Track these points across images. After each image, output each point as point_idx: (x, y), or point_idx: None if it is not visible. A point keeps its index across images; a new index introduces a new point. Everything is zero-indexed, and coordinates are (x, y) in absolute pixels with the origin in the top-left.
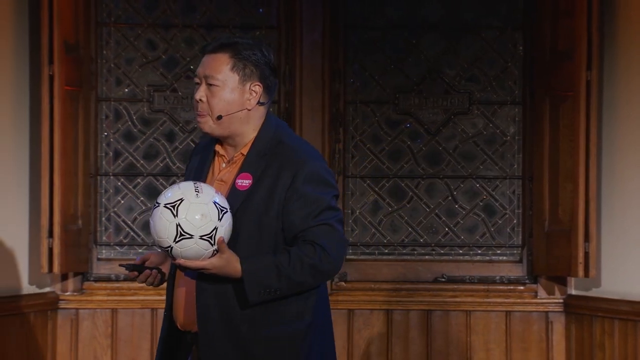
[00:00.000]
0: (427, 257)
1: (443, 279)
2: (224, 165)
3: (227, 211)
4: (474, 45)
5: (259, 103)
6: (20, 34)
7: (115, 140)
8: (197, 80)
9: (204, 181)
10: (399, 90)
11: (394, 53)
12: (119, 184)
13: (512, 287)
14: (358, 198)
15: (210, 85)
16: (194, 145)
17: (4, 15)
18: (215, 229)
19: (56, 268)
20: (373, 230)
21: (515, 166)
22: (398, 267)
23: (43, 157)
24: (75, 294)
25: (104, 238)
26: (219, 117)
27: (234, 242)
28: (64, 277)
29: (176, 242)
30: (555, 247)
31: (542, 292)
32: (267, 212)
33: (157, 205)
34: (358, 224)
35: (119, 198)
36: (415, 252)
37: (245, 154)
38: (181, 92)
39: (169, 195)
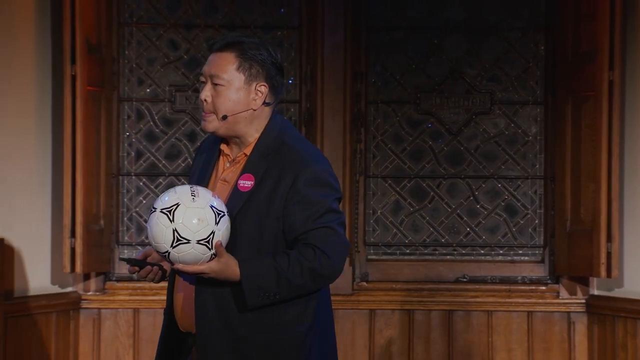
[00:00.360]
0: (448, 257)
1: (464, 279)
2: (227, 164)
3: (224, 215)
4: (496, 45)
5: (265, 103)
6: (43, 34)
7: (137, 140)
8: (202, 78)
9: (208, 180)
10: (421, 90)
11: (415, 54)
12: (141, 184)
13: (533, 288)
14: (379, 198)
15: (216, 84)
16: None
17: (26, 15)
18: (213, 233)
19: (78, 268)
20: (394, 230)
21: (537, 166)
22: (419, 267)
23: (65, 157)
24: (97, 293)
25: (125, 238)
26: (224, 117)
27: (235, 244)
28: (86, 277)
29: (173, 247)
30: (577, 247)
31: (564, 293)
32: (268, 214)
33: (153, 210)
34: (379, 224)
35: (141, 198)
36: (437, 252)
37: (248, 154)
38: None
39: (165, 199)
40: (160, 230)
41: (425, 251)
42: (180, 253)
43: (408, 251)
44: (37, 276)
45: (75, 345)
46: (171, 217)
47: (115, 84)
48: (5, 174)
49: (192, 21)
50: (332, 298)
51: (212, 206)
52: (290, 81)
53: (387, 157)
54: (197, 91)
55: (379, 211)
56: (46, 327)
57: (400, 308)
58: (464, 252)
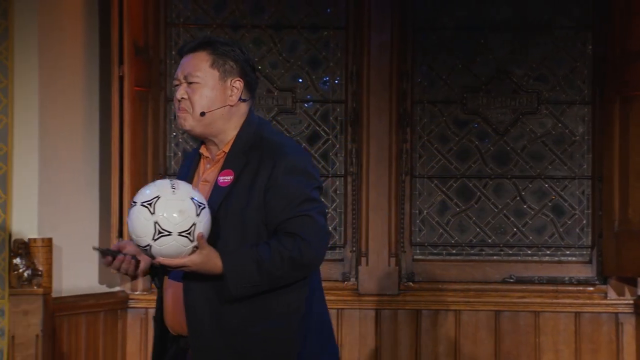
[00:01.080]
0: (495, 257)
1: (511, 280)
2: (208, 165)
3: (205, 207)
4: (543, 44)
5: (241, 99)
6: (91, 36)
7: (184, 140)
8: (176, 82)
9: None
10: (467, 90)
11: (462, 53)
12: None
13: (581, 288)
14: (425, 198)
15: (191, 83)
16: None
17: (75, 16)
18: (194, 224)
19: None
20: (441, 230)
21: (585, 166)
22: (466, 268)
23: (113, 157)
24: (144, 293)
25: None
26: (202, 114)
27: (217, 237)
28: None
29: (155, 240)
30: (625, 247)
31: (611, 293)
32: (248, 205)
33: (134, 204)
34: (425, 224)
35: None
36: (484, 252)
37: (227, 151)
38: None
39: (146, 193)
40: (141, 223)
41: (472, 251)
42: (162, 246)
43: (454, 251)
44: (85, 276)
45: (122, 345)
46: (152, 210)
47: (162, 84)
48: (53, 175)
49: (239, 22)
50: (379, 298)
51: (192, 198)
52: (336, 81)
53: (434, 157)
54: None
55: (425, 211)
56: (94, 327)
57: (446, 308)
58: (510, 252)
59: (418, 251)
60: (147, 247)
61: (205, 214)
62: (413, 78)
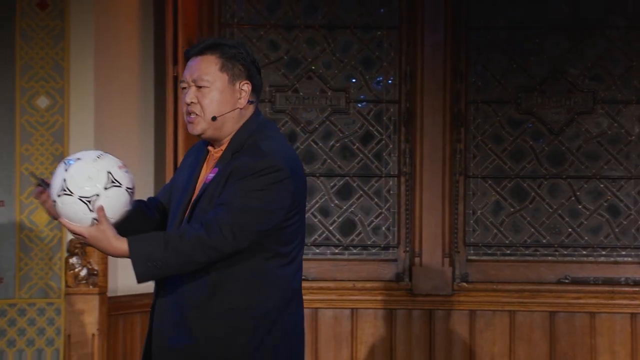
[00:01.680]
0: (550, 258)
1: (566, 280)
2: (212, 164)
3: (119, 186)
4: (599, 44)
5: (249, 102)
6: (146, 36)
7: None
8: (184, 85)
9: (195, 183)
10: (521, 89)
11: (516, 53)
12: None
13: (637, 289)
14: (479, 198)
15: (200, 87)
16: (314, 145)
17: (130, 17)
18: (97, 195)
19: None
20: (495, 230)
21: None
22: (520, 268)
23: (167, 156)
24: None
25: None
26: (214, 118)
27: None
28: None
29: (59, 197)
30: None
31: None
32: (213, 199)
33: (61, 161)
34: (479, 225)
35: None
36: (538, 252)
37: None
38: (302, 92)
39: (75, 155)
40: (55, 177)
41: (526, 252)
42: (63, 204)
43: (509, 252)
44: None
45: None
46: (66, 168)
47: None
48: None
49: (292, 22)
50: (432, 299)
51: (109, 172)
52: (389, 81)
53: (487, 157)
54: (297, 91)
55: (479, 211)
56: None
57: (501, 309)
58: (565, 252)
59: (472, 251)
60: (54, 203)
61: (117, 193)
62: (467, 78)
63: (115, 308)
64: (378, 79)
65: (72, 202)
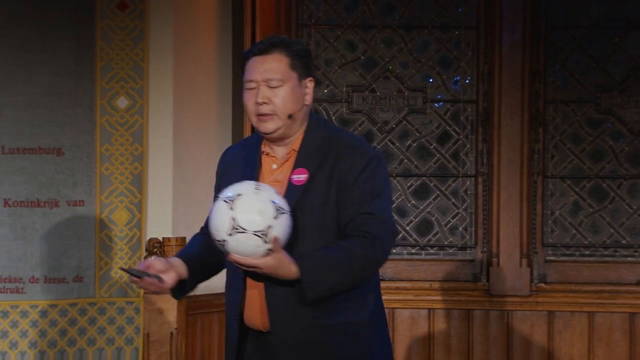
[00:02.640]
0: (629, 258)
1: None
2: (274, 166)
3: (285, 213)
4: None
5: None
6: (224, 36)
7: None
8: (252, 85)
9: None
10: (601, 89)
11: (596, 52)
12: None
13: None
14: (558, 199)
15: (273, 86)
16: (391, 145)
17: (208, 17)
18: (270, 227)
19: None
20: (573, 231)
21: None
22: (599, 269)
23: None
24: None
25: None
26: (290, 116)
27: (296, 236)
28: None
29: (230, 236)
30: None
31: None
32: (327, 203)
33: (216, 199)
34: (558, 225)
35: None
36: (617, 253)
37: (296, 149)
38: (379, 92)
39: (230, 190)
40: (219, 217)
41: (606, 252)
42: (237, 242)
43: (587, 252)
44: (219, 275)
45: None
46: (232, 206)
47: None
48: (187, 174)
49: (369, 22)
50: (510, 299)
51: (273, 202)
52: (467, 81)
53: (566, 157)
54: (374, 91)
55: (557, 212)
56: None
57: (580, 310)
58: None
59: (550, 252)
60: (222, 242)
61: (285, 220)
62: (546, 77)
63: (194, 307)
64: (455, 78)
65: (246, 238)
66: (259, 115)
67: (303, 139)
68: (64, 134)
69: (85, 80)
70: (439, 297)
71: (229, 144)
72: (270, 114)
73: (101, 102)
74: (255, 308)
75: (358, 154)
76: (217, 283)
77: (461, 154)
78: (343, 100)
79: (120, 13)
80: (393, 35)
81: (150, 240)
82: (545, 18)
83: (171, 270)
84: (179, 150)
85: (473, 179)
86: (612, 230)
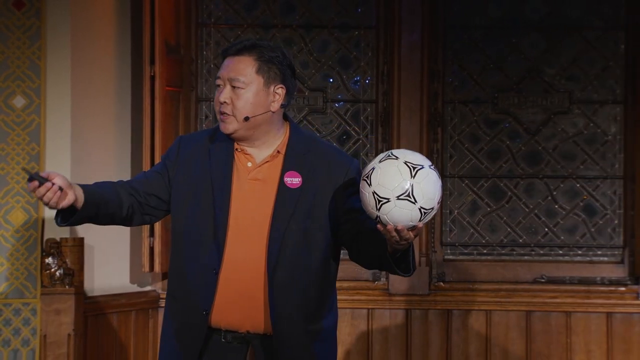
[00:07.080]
0: (526, 257)
1: (543, 280)
2: (249, 164)
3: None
4: (575, 44)
5: (282, 105)
6: (123, 36)
7: None
8: (219, 82)
9: (230, 180)
10: (498, 89)
11: (493, 52)
12: None
13: (613, 289)
14: (456, 198)
15: (235, 87)
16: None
17: (107, 16)
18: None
19: (157, 267)
20: (471, 230)
21: (617, 166)
22: (497, 268)
23: (144, 156)
24: None
25: None
26: (246, 119)
27: (302, 238)
28: (165, 276)
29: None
30: None
31: None
32: (330, 206)
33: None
34: (456, 224)
35: None
36: (515, 252)
37: (282, 151)
38: None
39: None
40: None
41: (503, 251)
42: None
43: (485, 251)
44: (117, 275)
45: (154, 344)
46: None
47: (194, 84)
48: (85, 174)
49: (270, 21)
50: (409, 298)
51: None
52: (367, 81)
53: (464, 157)
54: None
55: (455, 211)
56: (125, 326)
57: (477, 309)
58: (542, 252)
59: (449, 251)
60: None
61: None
62: (444, 77)
63: (92, 308)
64: (355, 78)
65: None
66: (221, 114)
67: (289, 142)
68: None
69: None
70: (340, 297)
71: (127, 144)
72: (229, 115)
73: None
74: (233, 308)
75: (348, 164)
76: (113, 283)
77: (361, 153)
78: None
79: (16, 11)
80: (293, 35)
81: (48, 241)
82: (443, 19)
83: (70, 190)
84: (77, 150)
85: None
86: (509, 229)
